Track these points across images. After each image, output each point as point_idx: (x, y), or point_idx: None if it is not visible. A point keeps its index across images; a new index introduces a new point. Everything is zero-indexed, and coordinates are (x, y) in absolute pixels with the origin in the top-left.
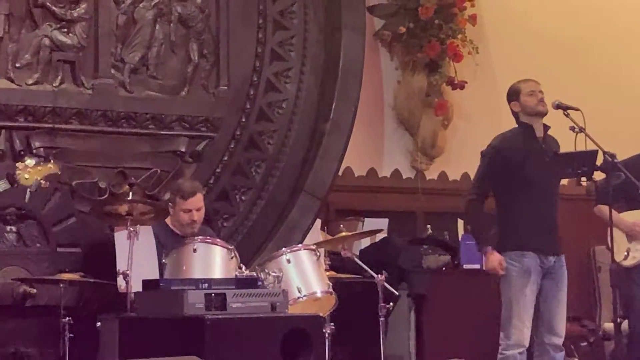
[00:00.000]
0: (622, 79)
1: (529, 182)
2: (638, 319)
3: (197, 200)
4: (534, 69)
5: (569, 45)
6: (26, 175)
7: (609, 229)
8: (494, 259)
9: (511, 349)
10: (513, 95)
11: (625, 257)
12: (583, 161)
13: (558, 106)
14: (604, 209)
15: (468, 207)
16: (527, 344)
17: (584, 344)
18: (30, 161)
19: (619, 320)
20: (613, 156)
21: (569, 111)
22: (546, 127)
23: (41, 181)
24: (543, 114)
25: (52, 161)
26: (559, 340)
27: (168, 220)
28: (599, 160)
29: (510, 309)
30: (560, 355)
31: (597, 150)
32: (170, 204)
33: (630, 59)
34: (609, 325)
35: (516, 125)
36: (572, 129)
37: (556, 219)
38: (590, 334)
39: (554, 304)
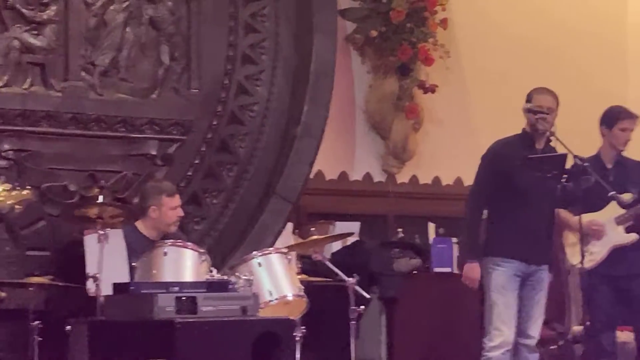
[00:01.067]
0: (592, 82)
1: (520, 191)
2: (596, 327)
3: (179, 197)
4: (505, 73)
5: (540, 49)
6: (0, 198)
7: (564, 233)
8: (475, 272)
9: (493, 350)
10: (526, 101)
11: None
12: (553, 165)
13: (529, 110)
14: (561, 212)
15: (470, 212)
16: (510, 345)
17: (553, 347)
18: (6, 185)
19: (587, 323)
20: (583, 160)
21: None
22: (548, 139)
23: (15, 205)
24: (539, 132)
25: (27, 188)
26: (532, 342)
27: (139, 224)
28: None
29: (491, 312)
30: (534, 356)
31: (567, 154)
32: (153, 207)
33: (601, 62)
34: (578, 328)
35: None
36: (544, 132)
37: (545, 230)
38: (560, 337)
39: (529, 306)
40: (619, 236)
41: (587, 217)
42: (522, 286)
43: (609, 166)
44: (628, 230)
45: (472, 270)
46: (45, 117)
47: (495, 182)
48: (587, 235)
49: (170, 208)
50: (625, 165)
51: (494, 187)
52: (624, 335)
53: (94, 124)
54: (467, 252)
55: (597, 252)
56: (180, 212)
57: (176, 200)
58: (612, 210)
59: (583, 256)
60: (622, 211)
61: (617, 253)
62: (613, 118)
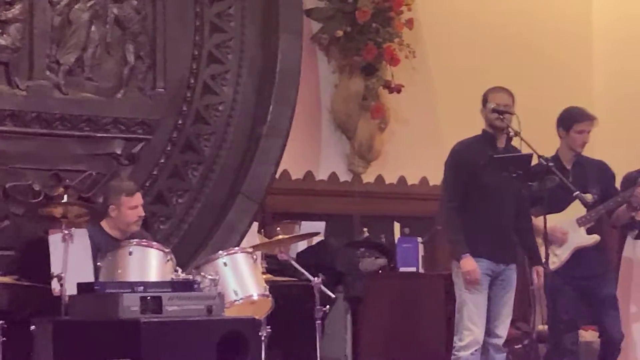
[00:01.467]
0: (562, 78)
1: (484, 190)
2: (558, 328)
3: (140, 196)
4: (471, 74)
5: (506, 49)
6: None
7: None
8: (472, 263)
9: (463, 350)
10: (483, 101)
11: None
12: (518, 165)
13: (494, 110)
14: None
15: (446, 215)
16: (479, 344)
17: (518, 346)
18: None
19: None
20: (548, 160)
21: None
22: (509, 138)
23: None
24: (499, 129)
25: None
26: (499, 341)
27: (103, 224)
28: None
29: (462, 312)
30: (501, 356)
31: (532, 154)
32: (112, 206)
33: (568, 60)
34: (543, 328)
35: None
36: (508, 132)
37: (511, 228)
38: (525, 336)
39: (499, 306)
40: (581, 238)
41: (552, 222)
42: (491, 285)
43: (568, 167)
44: (589, 231)
45: (468, 263)
46: (9, 116)
47: (462, 183)
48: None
49: (129, 207)
50: (584, 165)
51: (462, 188)
52: (588, 335)
53: (58, 123)
54: (457, 249)
55: (560, 253)
56: (140, 212)
57: (136, 199)
58: (573, 211)
59: (547, 257)
60: (583, 212)
61: (579, 254)
62: (570, 120)
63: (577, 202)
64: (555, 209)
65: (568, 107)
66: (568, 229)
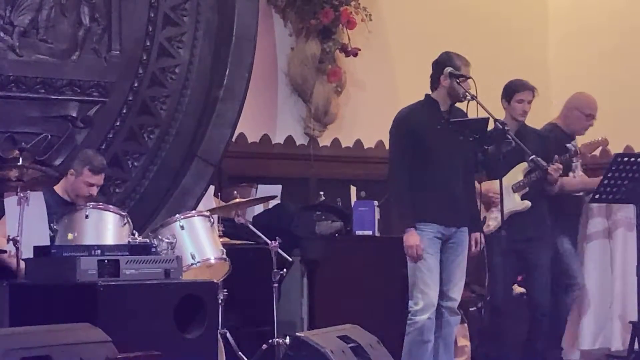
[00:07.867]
0: (518, 49)
1: (431, 155)
2: (495, 288)
3: (102, 178)
4: (427, 37)
5: (462, 12)
6: None
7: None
8: (415, 239)
9: (420, 314)
10: (449, 66)
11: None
12: (475, 129)
13: (450, 74)
14: None
15: (394, 187)
16: (434, 307)
17: (473, 308)
18: None
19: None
20: (504, 124)
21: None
22: (453, 102)
23: None
24: (457, 94)
25: None
26: (454, 304)
27: (57, 188)
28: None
29: (415, 276)
30: (456, 319)
31: (489, 118)
32: (73, 171)
33: (525, 21)
34: None
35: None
36: (464, 96)
37: (464, 192)
38: (479, 299)
39: (451, 269)
40: (514, 203)
41: (486, 185)
42: (444, 248)
43: None
44: (523, 197)
45: (411, 238)
46: None
47: (410, 151)
48: (485, 204)
49: (85, 181)
50: (524, 135)
51: (410, 155)
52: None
53: (13, 85)
54: (403, 222)
55: (494, 217)
56: (93, 191)
57: (95, 179)
58: (511, 178)
59: (484, 222)
60: (519, 179)
61: (515, 218)
62: (510, 91)
63: (513, 170)
64: (495, 175)
65: (510, 80)
66: (503, 194)
